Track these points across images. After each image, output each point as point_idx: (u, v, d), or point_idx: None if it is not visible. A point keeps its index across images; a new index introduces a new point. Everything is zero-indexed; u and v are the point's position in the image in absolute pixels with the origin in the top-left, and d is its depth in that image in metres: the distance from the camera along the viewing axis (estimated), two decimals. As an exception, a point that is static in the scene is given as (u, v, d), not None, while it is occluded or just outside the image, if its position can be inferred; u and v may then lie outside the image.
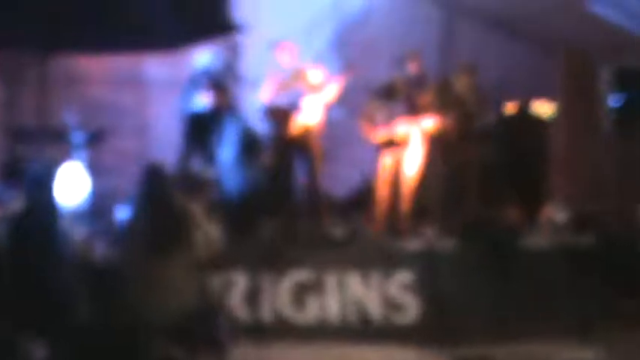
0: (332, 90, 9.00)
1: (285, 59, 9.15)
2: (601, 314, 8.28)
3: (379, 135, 9.08)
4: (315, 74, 9.11)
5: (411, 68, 9.26)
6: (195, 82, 9.40)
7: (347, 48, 10.99)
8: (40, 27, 7.09)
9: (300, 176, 9.07)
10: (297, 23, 10.91)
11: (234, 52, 9.19)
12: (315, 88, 9.01)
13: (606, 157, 10.66)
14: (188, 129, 9.54)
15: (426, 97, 9.18)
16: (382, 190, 9.14)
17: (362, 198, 9.70)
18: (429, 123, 9.09)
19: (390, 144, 9.05)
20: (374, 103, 9.11)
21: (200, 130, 9.35)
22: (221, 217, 7.20)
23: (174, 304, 6.20)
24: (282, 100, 9.04)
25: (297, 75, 9.07)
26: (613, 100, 9.65)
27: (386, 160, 9.13)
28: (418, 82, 9.27)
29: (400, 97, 9.10)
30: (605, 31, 9.69)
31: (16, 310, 6.41)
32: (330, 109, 9.33)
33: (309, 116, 8.98)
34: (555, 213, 9.68)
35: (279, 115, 9.08)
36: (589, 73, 10.91)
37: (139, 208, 6.48)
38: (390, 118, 9.02)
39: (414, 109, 9.06)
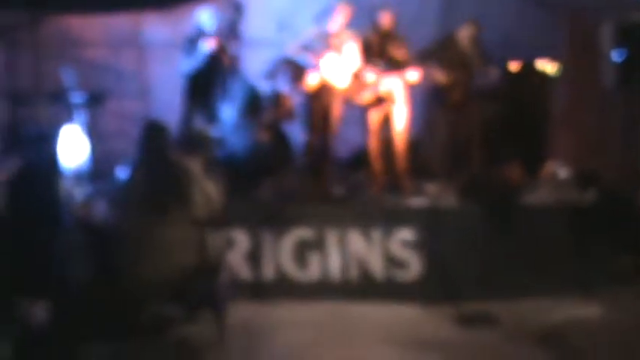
0: (350, 50, 8.88)
1: (339, 21, 8.99)
2: (603, 270, 8.25)
3: (365, 96, 9.01)
4: (345, 38, 9.00)
5: (384, 22, 9.16)
6: (195, 40, 9.34)
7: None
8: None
9: (308, 133, 8.99)
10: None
11: (236, 10, 9.07)
12: (336, 47, 8.87)
13: (609, 113, 10.58)
14: (189, 87, 9.50)
15: (401, 51, 9.09)
16: (373, 148, 9.13)
17: (363, 157, 9.65)
18: (413, 76, 9.01)
19: (377, 102, 9.00)
20: None
21: (202, 88, 9.30)
22: (222, 175, 7.16)
23: (173, 262, 6.18)
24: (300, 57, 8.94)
25: (333, 37, 8.95)
26: (616, 56, 9.54)
27: (373, 117, 9.09)
28: (391, 37, 9.16)
29: (374, 53, 9.00)
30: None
31: (16, 272, 6.41)
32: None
33: (330, 75, 8.84)
34: (557, 170, 9.65)
35: (294, 69, 8.99)
36: (591, 30, 10.80)
37: (138, 166, 6.44)
38: (372, 77, 8.93)
39: (391, 64, 8.97)
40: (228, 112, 9.07)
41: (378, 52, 9.04)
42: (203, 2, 9.31)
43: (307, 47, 8.85)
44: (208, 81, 9.20)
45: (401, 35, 9.25)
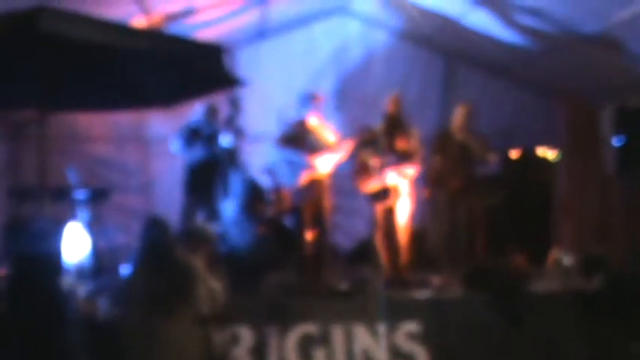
0: (344, 152, 8.98)
1: (317, 112, 9.09)
2: (613, 358, 8.14)
3: (371, 186, 9.05)
4: (330, 133, 9.10)
5: (390, 106, 9.20)
6: (192, 132, 9.46)
7: (348, 100, 11.04)
8: (39, 85, 7.10)
9: (307, 228, 8.98)
10: (298, 77, 10.95)
11: (234, 105, 9.14)
12: (330, 148, 8.96)
13: (611, 198, 10.59)
14: (190, 182, 9.56)
15: (406, 141, 9.11)
16: (379, 240, 9.11)
17: (366, 249, 9.62)
18: (413, 171, 9.07)
19: (382, 194, 9.01)
20: (363, 154, 9.07)
21: (202, 182, 9.35)
22: (225, 271, 7.12)
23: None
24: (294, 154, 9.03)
25: (315, 130, 9.04)
26: (616, 141, 9.57)
27: (379, 209, 9.10)
28: (398, 124, 9.18)
29: (380, 143, 9.06)
30: (605, 72, 9.69)
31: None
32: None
33: (320, 170, 8.94)
34: (562, 257, 9.60)
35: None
36: (591, 115, 10.89)
37: (141, 263, 6.41)
38: (380, 168, 8.98)
39: (395, 154, 9.02)
40: (230, 206, 9.09)
41: (387, 144, 9.08)
42: (202, 97, 9.38)
43: (290, 138, 8.91)
44: (209, 175, 9.25)
45: (407, 120, 9.26)
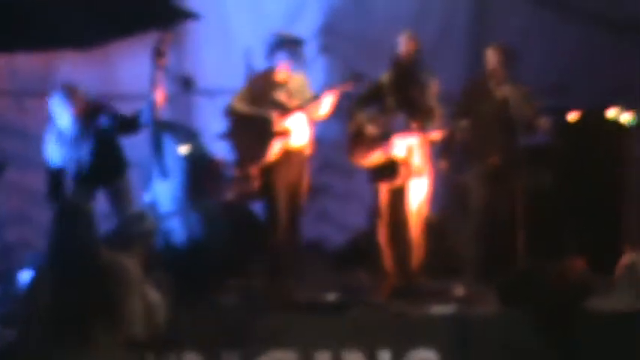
0: (323, 107, 9.12)
1: (292, 59, 9.20)
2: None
3: (372, 158, 9.21)
4: (302, 86, 9.24)
5: (404, 49, 9.35)
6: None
7: (339, 40, 11.11)
8: None
9: (281, 218, 9.14)
10: (269, 9, 11.02)
11: (178, 48, 9.16)
12: (302, 107, 9.10)
13: None
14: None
15: (422, 96, 9.26)
16: (382, 234, 9.29)
17: (364, 246, 9.76)
18: (433, 138, 9.22)
19: (388, 170, 9.18)
20: (360, 116, 9.25)
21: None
22: (167, 277, 7.19)
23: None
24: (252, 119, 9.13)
25: (288, 86, 9.18)
26: None
27: (383, 190, 9.26)
28: (409, 75, 9.34)
29: (387, 98, 9.24)
30: None
31: None
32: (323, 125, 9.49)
33: (292, 138, 9.10)
34: (638, 262, 9.71)
35: (249, 137, 9.17)
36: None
37: (49, 267, 6.42)
38: (385, 134, 9.16)
39: (407, 114, 9.18)
40: (170, 187, 9.20)
41: (397, 100, 9.24)
42: (135, 36, 9.41)
43: (251, 100, 9.03)
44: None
45: (424, 68, 9.41)
